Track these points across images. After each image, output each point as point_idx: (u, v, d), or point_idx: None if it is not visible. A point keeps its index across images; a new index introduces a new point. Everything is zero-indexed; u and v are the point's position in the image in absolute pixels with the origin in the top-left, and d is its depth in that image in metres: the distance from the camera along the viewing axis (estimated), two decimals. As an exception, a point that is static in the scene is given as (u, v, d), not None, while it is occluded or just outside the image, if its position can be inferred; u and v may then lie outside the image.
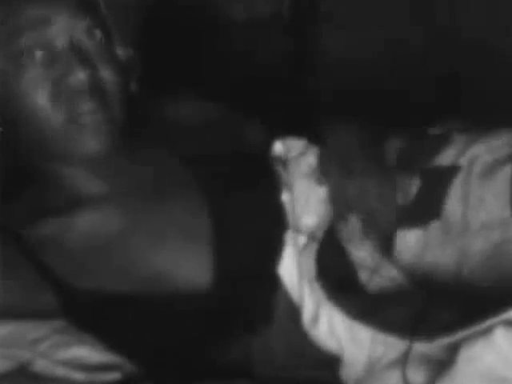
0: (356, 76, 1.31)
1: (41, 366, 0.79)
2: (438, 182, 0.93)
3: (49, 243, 0.87)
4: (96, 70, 0.84)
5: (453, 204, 0.91)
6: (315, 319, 0.84)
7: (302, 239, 0.88)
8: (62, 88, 0.82)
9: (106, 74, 0.85)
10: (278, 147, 0.97)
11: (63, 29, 0.83)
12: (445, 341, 0.76)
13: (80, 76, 0.82)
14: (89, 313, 0.85)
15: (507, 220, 0.86)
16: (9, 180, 0.91)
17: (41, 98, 0.82)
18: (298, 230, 0.88)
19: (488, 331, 0.74)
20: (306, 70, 1.38)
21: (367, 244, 0.90)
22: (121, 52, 0.92)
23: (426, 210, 0.92)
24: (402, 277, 0.88)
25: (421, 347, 0.78)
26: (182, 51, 1.34)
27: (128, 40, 0.95)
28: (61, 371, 0.79)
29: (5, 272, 0.84)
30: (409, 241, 0.92)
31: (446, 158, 0.94)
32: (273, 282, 0.86)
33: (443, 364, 0.76)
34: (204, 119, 1.01)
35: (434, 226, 0.91)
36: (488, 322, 0.74)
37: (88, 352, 0.81)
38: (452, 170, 0.92)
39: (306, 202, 0.90)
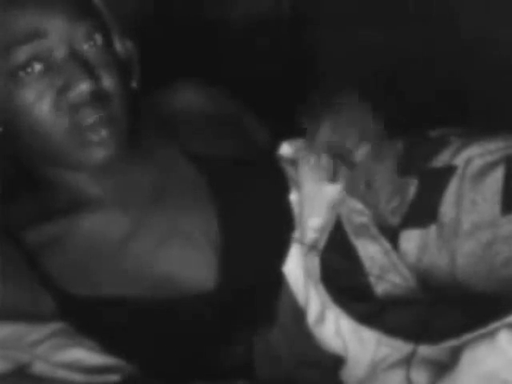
0: (356, 76, 1.31)
1: (39, 368, 0.79)
2: (435, 183, 0.93)
3: (49, 246, 0.86)
4: (98, 79, 0.81)
5: (447, 207, 0.90)
6: (320, 320, 0.83)
7: (309, 240, 0.87)
8: (65, 101, 0.80)
9: (109, 83, 0.82)
10: (286, 148, 0.97)
11: (62, 38, 0.80)
12: (450, 344, 0.76)
13: (82, 88, 0.79)
14: (88, 317, 0.84)
15: (497, 218, 0.86)
16: (9, 182, 0.90)
17: (43, 111, 0.80)
18: (304, 231, 0.88)
19: (492, 334, 0.74)
20: (305, 70, 1.37)
21: (380, 239, 0.90)
22: (119, 47, 0.89)
23: (423, 211, 0.92)
24: (411, 276, 0.88)
25: (425, 350, 0.78)
26: (181, 51, 1.33)
27: (126, 32, 0.92)
28: (60, 373, 0.79)
29: (4, 274, 0.83)
30: (411, 242, 0.92)
31: (443, 159, 0.94)
32: (277, 283, 0.85)
33: (447, 366, 0.76)
34: (212, 117, 1.00)
35: (431, 228, 0.91)
36: (492, 326, 0.74)
37: (87, 354, 0.80)
38: (448, 171, 0.92)
39: (313, 202, 0.90)
